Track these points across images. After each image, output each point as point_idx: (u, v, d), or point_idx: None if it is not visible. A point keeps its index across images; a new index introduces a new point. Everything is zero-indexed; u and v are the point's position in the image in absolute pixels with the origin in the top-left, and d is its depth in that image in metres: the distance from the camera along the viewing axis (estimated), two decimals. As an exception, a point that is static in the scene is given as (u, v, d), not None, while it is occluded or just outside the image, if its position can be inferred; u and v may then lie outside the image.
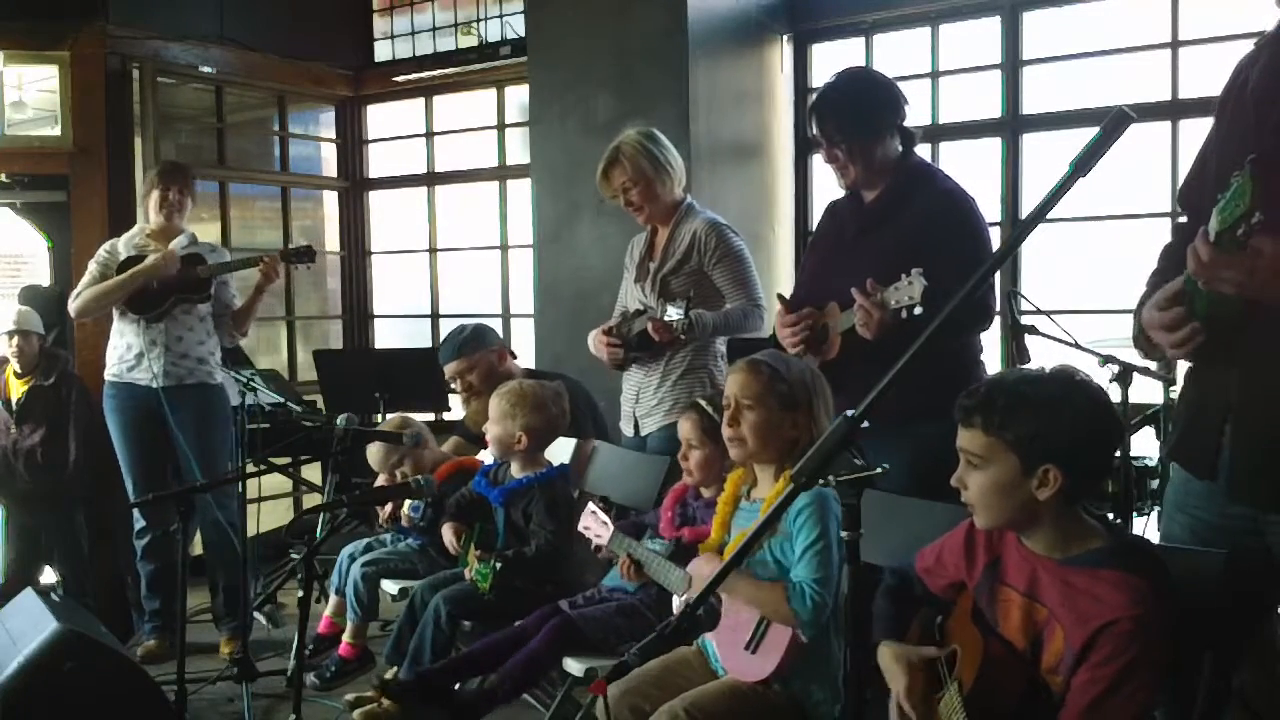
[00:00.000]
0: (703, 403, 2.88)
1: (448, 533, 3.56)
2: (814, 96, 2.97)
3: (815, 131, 2.88)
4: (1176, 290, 1.69)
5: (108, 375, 4.34)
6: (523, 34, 5.64)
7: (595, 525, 2.92)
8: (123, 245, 4.36)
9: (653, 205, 3.57)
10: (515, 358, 4.26)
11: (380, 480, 4.07)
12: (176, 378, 4.25)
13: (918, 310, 2.46)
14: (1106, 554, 1.79)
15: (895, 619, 2.04)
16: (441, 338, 6.42)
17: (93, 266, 4.35)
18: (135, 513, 4.33)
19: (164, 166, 4.49)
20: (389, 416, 4.30)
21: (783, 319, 2.89)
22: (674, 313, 3.30)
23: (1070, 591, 1.77)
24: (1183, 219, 1.99)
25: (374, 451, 4.04)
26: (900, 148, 2.86)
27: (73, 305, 4.33)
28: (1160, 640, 1.70)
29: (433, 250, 6.70)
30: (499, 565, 3.21)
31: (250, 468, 4.57)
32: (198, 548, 4.69)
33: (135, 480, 4.30)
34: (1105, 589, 1.72)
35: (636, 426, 3.63)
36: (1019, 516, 1.84)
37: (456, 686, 3.15)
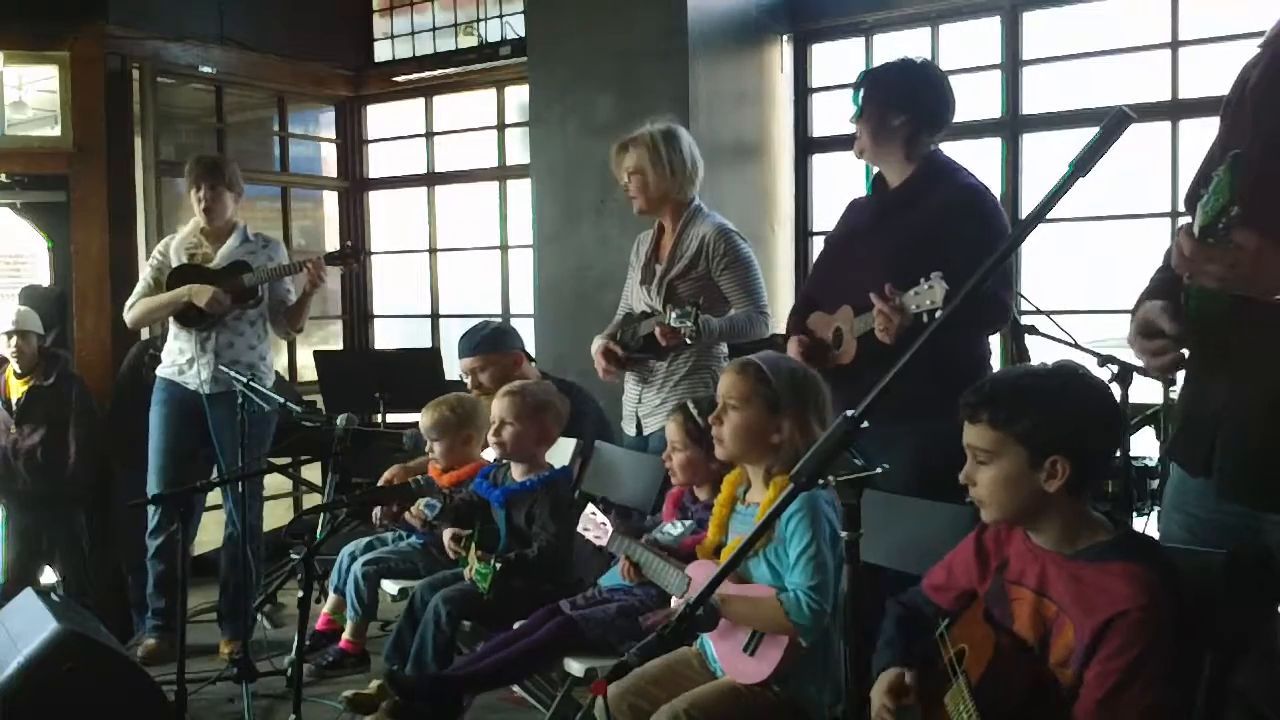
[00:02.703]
0: (689, 405, 2.89)
1: (447, 538, 3.55)
2: None
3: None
4: (1153, 317, 1.70)
5: (163, 372, 4.38)
6: (523, 34, 5.64)
7: (594, 527, 2.92)
8: (175, 247, 4.35)
9: (643, 196, 3.57)
10: (533, 362, 4.25)
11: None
12: (225, 384, 4.23)
13: (939, 315, 2.45)
14: (1114, 546, 1.80)
15: (899, 648, 2.03)
16: (442, 338, 6.54)
17: (147, 272, 4.40)
18: (150, 510, 4.34)
19: (193, 165, 4.41)
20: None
21: (794, 346, 2.91)
22: (680, 318, 3.31)
23: (1079, 585, 1.77)
24: (1187, 219, 1.99)
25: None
26: (917, 141, 2.85)
27: (128, 315, 4.40)
28: (1170, 631, 1.70)
29: (433, 250, 6.70)
30: (499, 566, 3.21)
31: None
32: (197, 549, 4.70)
33: (160, 477, 4.30)
34: (1114, 581, 1.73)
35: (639, 426, 3.64)
36: (1027, 510, 1.85)
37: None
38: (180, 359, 4.32)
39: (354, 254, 4.51)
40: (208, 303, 4.18)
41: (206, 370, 4.25)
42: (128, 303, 4.40)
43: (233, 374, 4.21)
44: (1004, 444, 1.82)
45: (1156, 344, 1.74)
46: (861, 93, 2.88)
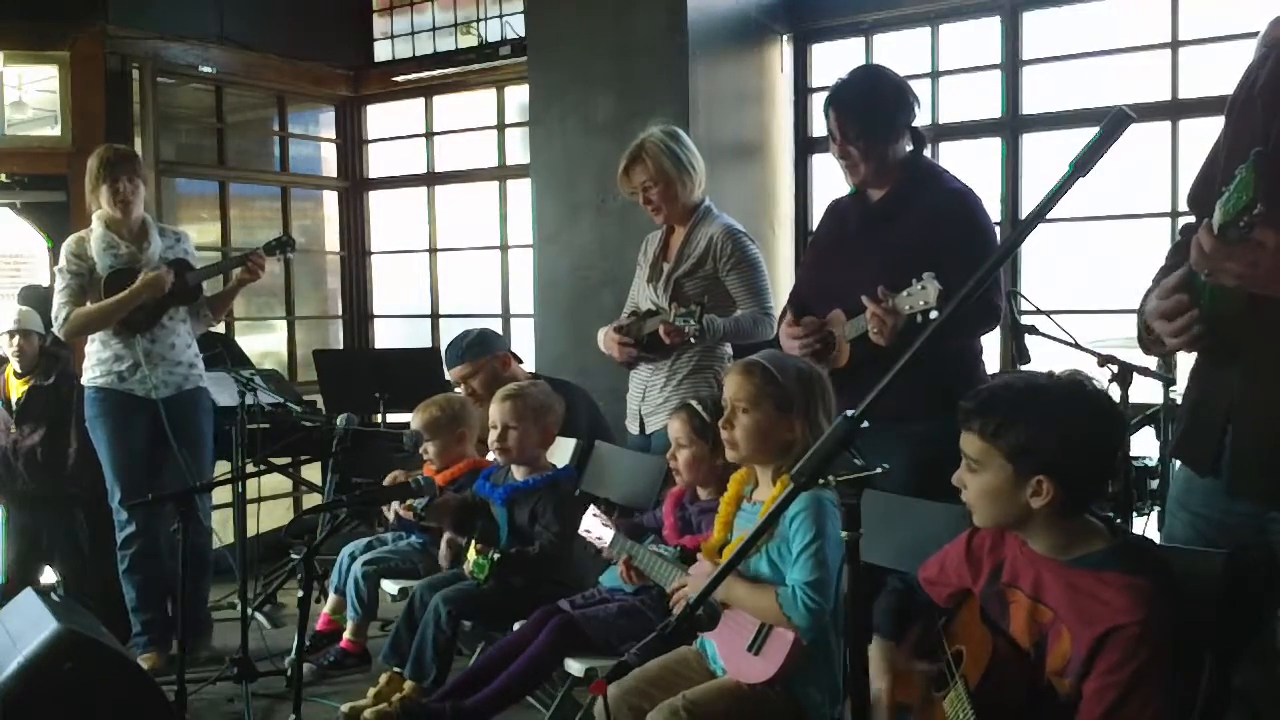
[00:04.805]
0: (693, 403, 2.89)
1: (444, 544, 3.54)
2: (830, 93, 2.94)
3: (832, 128, 2.86)
4: (1178, 280, 1.69)
5: (96, 381, 4.18)
6: (523, 34, 5.64)
7: (596, 529, 2.92)
8: (96, 252, 4.13)
9: (671, 206, 3.57)
10: (520, 362, 4.26)
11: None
12: (175, 386, 4.19)
13: (933, 315, 2.45)
14: (1111, 555, 1.78)
15: (895, 619, 2.03)
16: (442, 338, 6.53)
17: (68, 280, 4.11)
18: (119, 521, 4.22)
19: (106, 156, 4.21)
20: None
21: (788, 329, 2.89)
22: (683, 316, 3.31)
23: (1075, 594, 1.76)
24: (1190, 219, 1.99)
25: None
26: (910, 147, 2.86)
27: (63, 330, 4.15)
28: (1167, 641, 1.70)
29: (433, 250, 6.70)
30: (496, 556, 3.23)
31: (250, 468, 4.57)
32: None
33: (125, 487, 4.18)
34: (1110, 592, 1.72)
35: (642, 424, 3.64)
36: (1013, 520, 1.85)
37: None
38: (119, 366, 4.15)
39: (289, 243, 4.38)
40: (157, 281, 4.06)
41: (157, 375, 4.14)
42: (58, 315, 4.11)
43: (234, 373, 4.20)
44: (990, 456, 1.81)
45: (1173, 301, 1.70)
46: (850, 125, 2.81)
